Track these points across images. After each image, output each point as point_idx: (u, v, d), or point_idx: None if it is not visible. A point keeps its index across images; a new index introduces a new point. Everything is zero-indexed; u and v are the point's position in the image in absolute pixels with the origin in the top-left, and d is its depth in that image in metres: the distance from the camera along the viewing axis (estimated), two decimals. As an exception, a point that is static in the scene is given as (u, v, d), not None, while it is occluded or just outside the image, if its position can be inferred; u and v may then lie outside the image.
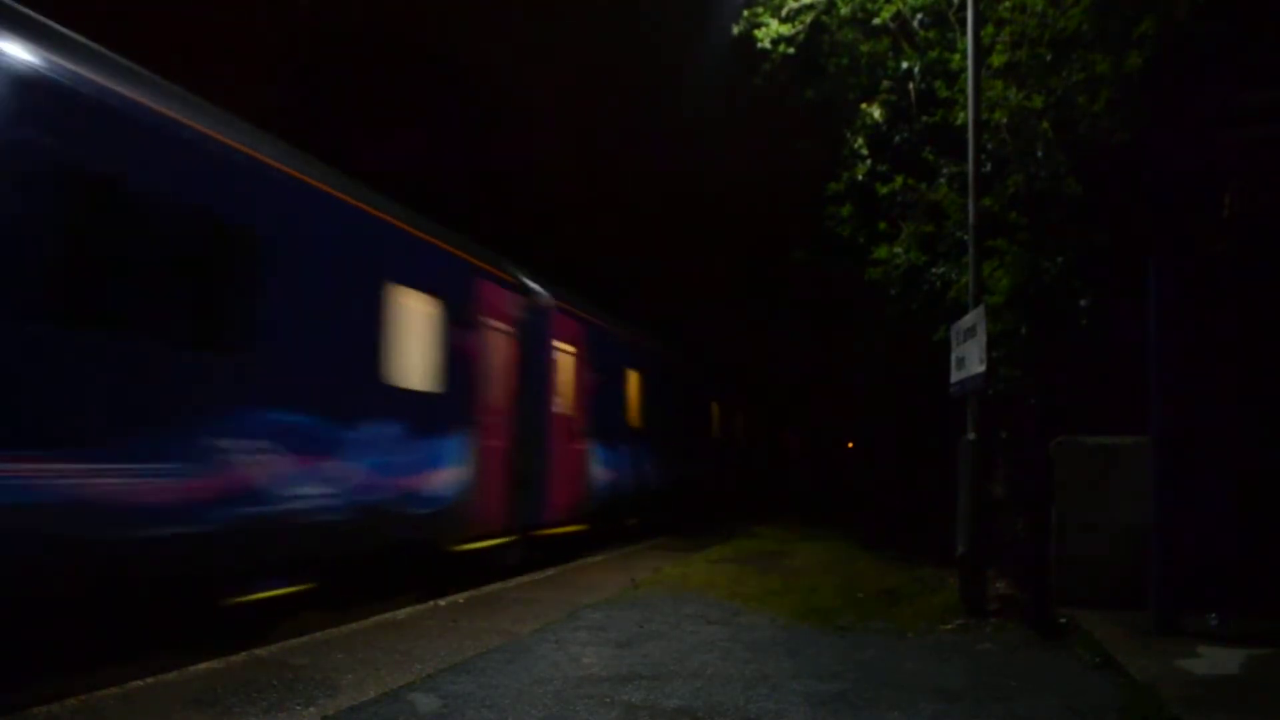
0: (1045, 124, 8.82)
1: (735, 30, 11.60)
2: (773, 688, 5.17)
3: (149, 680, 5.12)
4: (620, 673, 5.50)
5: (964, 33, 8.84)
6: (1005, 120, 9.00)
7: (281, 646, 6.14)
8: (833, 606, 8.10)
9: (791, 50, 11.28)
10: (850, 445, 47.21)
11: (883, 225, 11.28)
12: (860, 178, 11.50)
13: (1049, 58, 8.72)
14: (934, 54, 10.50)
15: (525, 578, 9.91)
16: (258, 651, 5.95)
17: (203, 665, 5.51)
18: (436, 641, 6.39)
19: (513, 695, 4.94)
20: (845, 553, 12.96)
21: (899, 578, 9.95)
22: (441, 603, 8.14)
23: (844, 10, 10.98)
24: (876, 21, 10.89)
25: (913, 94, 11.17)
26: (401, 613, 7.57)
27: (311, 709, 4.62)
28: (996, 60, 8.98)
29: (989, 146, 9.27)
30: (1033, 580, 8.03)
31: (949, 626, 7.23)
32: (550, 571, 10.58)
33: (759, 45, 11.27)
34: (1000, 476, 9.19)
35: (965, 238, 8.77)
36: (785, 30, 11.14)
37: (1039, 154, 8.92)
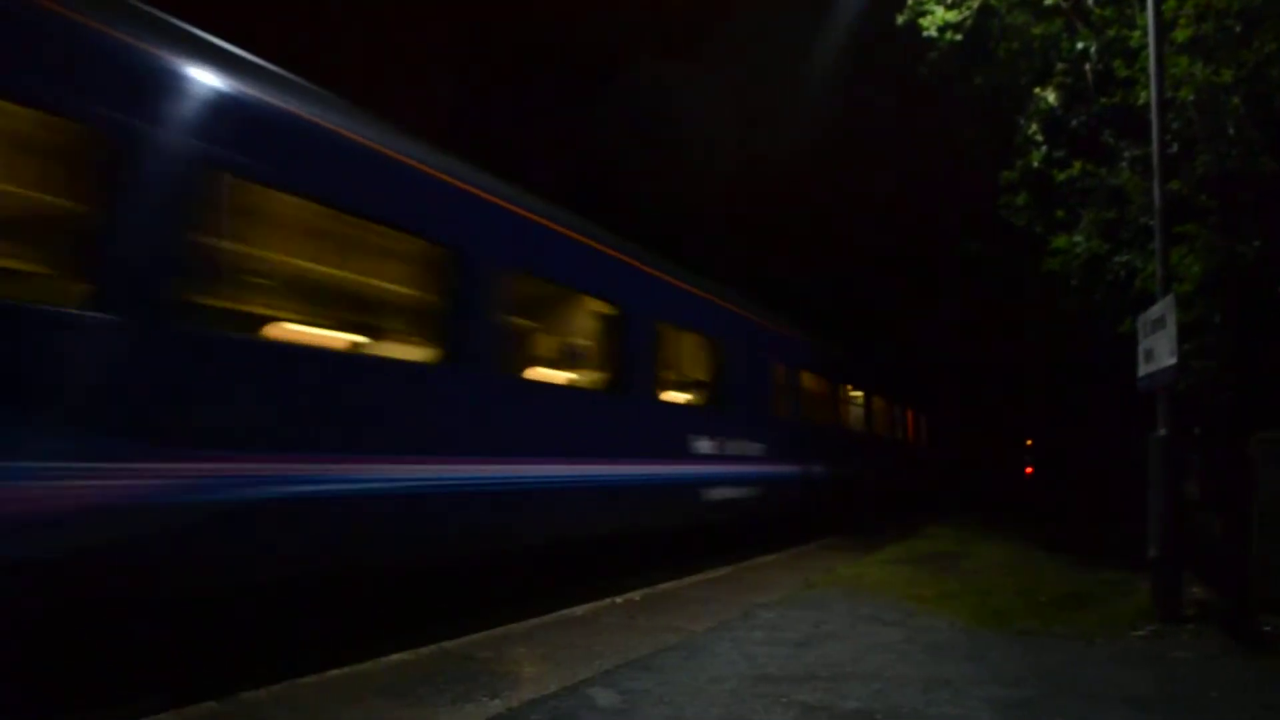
0: (1236, 100, 8.30)
1: (900, 20, 11.42)
2: (954, 692, 5.09)
3: (344, 670, 5.41)
4: (796, 673, 5.54)
5: (1143, 8, 8.43)
6: (1191, 98, 8.52)
7: (467, 640, 6.40)
8: (1013, 609, 7.88)
9: (959, 37, 11.03)
10: (1029, 443, 45.43)
11: (1061, 213, 10.87)
12: (1036, 165, 11.13)
13: (1238, 29, 8.21)
14: (1112, 32, 10.06)
15: (698, 576, 10.05)
16: (445, 644, 6.22)
17: (394, 656, 5.81)
18: (614, 638, 6.57)
19: (690, 693, 5.04)
20: (1025, 553, 12.55)
21: (1084, 580, 9.56)
22: (618, 600, 8.37)
23: (1013, -8, 10.67)
24: (1048, 2, 10.54)
25: (1089, 75, 10.72)
26: (580, 609, 7.81)
27: (496, 701, 4.79)
28: (1180, 35, 8.51)
29: (1174, 126, 8.80)
30: (1232, 585, 7.58)
31: (1140, 633, 6.92)
32: (723, 571, 10.69)
33: (925, 34, 11.07)
34: (1195, 475, 8.71)
35: (1151, 223, 8.37)
36: (952, 17, 10.92)
37: (1230, 131, 8.41)
